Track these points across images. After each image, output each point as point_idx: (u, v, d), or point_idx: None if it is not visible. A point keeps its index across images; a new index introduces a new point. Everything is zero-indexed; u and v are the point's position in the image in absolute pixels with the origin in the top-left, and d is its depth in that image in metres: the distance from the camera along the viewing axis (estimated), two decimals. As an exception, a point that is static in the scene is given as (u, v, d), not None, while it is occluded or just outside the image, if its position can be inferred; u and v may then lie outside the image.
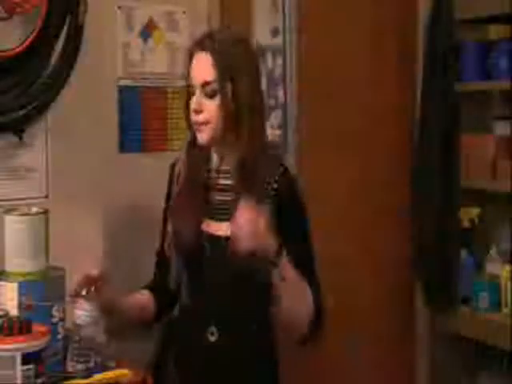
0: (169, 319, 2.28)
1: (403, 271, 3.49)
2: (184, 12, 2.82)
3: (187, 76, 2.12)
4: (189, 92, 2.12)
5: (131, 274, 2.68)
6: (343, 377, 3.19)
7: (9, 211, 2.17)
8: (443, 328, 3.47)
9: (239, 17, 2.95)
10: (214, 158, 2.18)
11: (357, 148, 3.32)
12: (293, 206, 2.16)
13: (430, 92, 3.34)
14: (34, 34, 2.35)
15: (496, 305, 3.27)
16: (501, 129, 3.41)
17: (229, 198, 2.13)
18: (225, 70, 2.05)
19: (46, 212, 2.19)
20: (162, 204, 2.29)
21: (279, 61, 2.96)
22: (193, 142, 2.17)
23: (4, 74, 2.33)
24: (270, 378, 2.23)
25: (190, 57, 2.10)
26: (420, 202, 3.41)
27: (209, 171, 2.18)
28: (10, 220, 2.15)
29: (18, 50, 2.34)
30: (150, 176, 2.72)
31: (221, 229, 2.12)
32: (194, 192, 2.15)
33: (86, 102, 2.58)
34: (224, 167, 2.16)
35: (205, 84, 2.06)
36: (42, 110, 2.45)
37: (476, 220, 3.42)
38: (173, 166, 2.27)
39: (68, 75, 2.46)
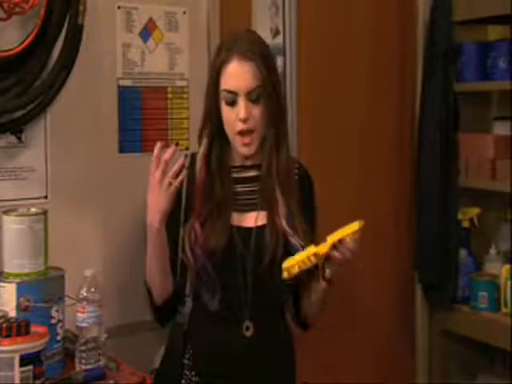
0: (177, 325, 2.26)
1: (403, 272, 3.50)
2: (184, 12, 2.82)
3: (215, 82, 2.12)
4: (219, 98, 2.13)
5: (131, 274, 2.68)
6: (343, 374, 3.19)
7: (8, 212, 2.16)
8: (443, 327, 3.48)
9: (239, 17, 2.95)
10: (237, 155, 2.22)
11: (357, 148, 3.33)
12: (311, 196, 2.31)
13: (429, 92, 3.35)
14: (34, 34, 2.34)
15: (495, 304, 3.27)
16: (500, 129, 3.43)
17: (254, 189, 2.21)
18: (268, 73, 2.11)
19: (45, 212, 2.18)
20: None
21: (279, 61, 2.96)
22: (211, 140, 2.19)
23: (3, 74, 2.33)
24: (294, 365, 2.32)
25: (222, 64, 2.11)
26: (420, 202, 3.41)
27: (232, 167, 2.23)
28: (9, 220, 2.14)
29: (17, 49, 2.33)
30: (149, 176, 2.72)
31: (246, 220, 2.18)
32: (221, 187, 2.18)
33: (85, 102, 2.57)
34: (248, 163, 2.22)
35: (250, 91, 2.09)
36: (41, 110, 2.44)
37: (476, 220, 3.42)
38: None
39: (68, 75, 2.45)
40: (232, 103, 2.10)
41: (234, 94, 2.09)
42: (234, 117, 2.11)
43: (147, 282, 2.23)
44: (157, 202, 2.08)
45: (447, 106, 3.32)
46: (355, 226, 2.01)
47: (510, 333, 3.07)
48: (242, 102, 2.09)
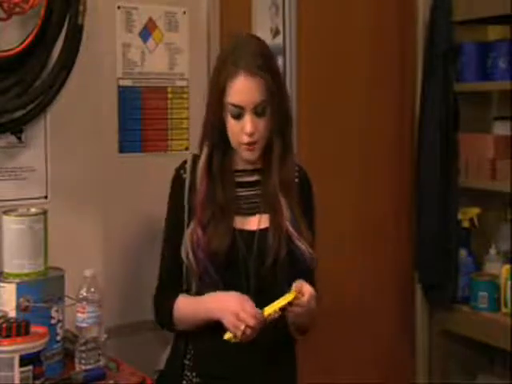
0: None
1: (403, 272, 3.50)
2: (184, 12, 2.82)
3: (220, 95, 2.12)
4: (223, 110, 2.14)
5: (131, 274, 2.69)
6: (343, 375, 3.19)
7: (8, 211, 2.16)
8: (443, 327, 3.48)
9: (239, 17, 2.95)
10: (239, 159, 2.23)
11: (357, 148, 3.33)
12: (310, 198, 2.31)
13: (429, 92, 3.35)
14: (34, 34, 2.34)
15: (495, 304, 3.27)
16: (500, 129, 3.43)
17: (256, 192, 2.22)
18: (274, 87, 2.13)
19: (45, 212, 2.18)
20: (165, 209, 2.30)
21: (279, 61, 2.96)
22: (212, 145, 2.20)
23: (3, 74, 2.32)
24: (295, 366, 2.34)
25: (228, 79, 2.11)
26: (420, 202, 3.41)
27: (234, 171, 2.24)
28: (8, 220, 2.13)
29: (17, 49, 2.32)
30: (149, 176, 2.72)
31: (248, 223, 2.19)
32: (222, 191, 2.18)
33: (85, 102, 2.57)
34: (251, 167, 2.23)
35: (256, 105, 2.11)
36: (41, 110, 2.43)
37: (476, 220, 3.43)
38: (179, 170, 2.28)
39: (67, 75, 2.45)
40: (238, 116, 2.12)
41: (241, 108, 2.11)
42: (239, 129, 2.13)
43: (172, 313, 2.22)
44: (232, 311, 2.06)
45: (447, 106, 3.32)
46: (291, 296, 2.03)
47: (510, 333, 3.07)
48: (248, 116, 2.11)
